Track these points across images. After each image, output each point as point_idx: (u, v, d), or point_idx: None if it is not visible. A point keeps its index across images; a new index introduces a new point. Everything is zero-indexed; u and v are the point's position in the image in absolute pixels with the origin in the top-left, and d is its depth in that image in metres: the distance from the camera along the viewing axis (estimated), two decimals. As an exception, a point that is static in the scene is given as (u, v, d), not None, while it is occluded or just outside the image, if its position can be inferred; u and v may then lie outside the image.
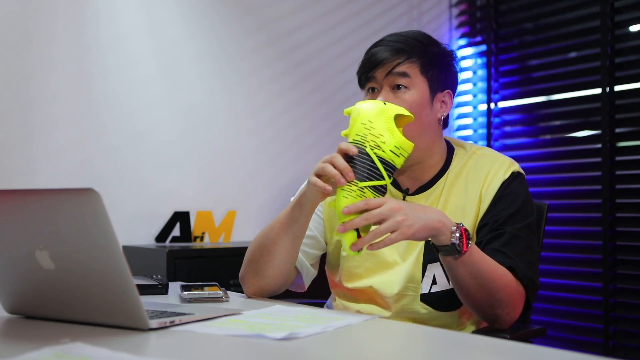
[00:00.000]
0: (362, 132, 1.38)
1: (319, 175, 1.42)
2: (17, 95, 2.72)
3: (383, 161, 1.37)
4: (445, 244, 1.40)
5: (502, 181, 1.59)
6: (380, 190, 1.38)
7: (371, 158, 1.37)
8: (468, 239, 1.41)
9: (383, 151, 1.37)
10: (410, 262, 1.60)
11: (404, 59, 1.59)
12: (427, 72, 1.60)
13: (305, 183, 1.52)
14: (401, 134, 1.39)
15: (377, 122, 1.38)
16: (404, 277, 1.60)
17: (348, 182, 1.36)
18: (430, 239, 1.42)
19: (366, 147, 1.37)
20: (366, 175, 1.37)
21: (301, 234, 1.57)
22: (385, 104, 1.42)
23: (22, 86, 2.73)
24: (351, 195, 1.36)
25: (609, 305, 2.93)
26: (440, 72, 1.63)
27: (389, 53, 1.59)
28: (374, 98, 1.60)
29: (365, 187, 1.36)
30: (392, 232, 1.35)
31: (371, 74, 1.61)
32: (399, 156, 1.38)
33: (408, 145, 1.39)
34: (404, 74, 1.58)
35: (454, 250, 1.40)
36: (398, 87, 1.59)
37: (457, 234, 1.39)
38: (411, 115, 1.44)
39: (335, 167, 1.38)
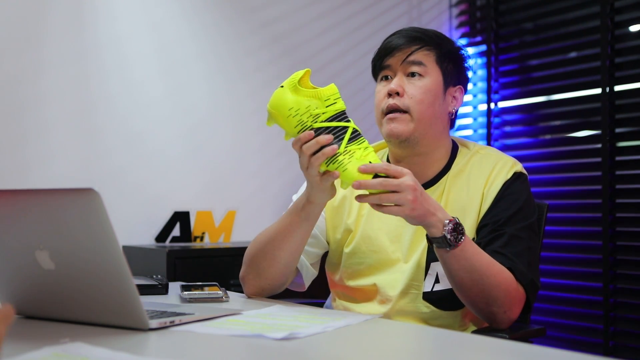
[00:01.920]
0: (296, 122, 1.39)
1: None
2: (15, 96, 2.72)
3: (332, 118, 1.39)
4: (437, 237, 1.41)
5: (504, 181, 1.59)
6: (357, 135, 1.39)
7: (323, 127, 1.38)
8: (461, 233, 1.42)
9: (324, 113, 1.38)
10: (413, 261, 1.60)
11: (421, 47, 1.61)
12: (442, 63, 1.62)
13: (305, 184, 1.52)
14: (317, 90, 1.39)
15: (295, 103, 1.39)
16: (407, 275, 1.60)
17: (332, 156, 1.37)
18: (424, 229, 1.44)
19: (310, 126, 1.38)
20: (336, 141, 1.38)
21: (306, 237, 1.57)
22: (282, 86, 1.41)
23: (20, 87, 2.73)
24: (344, 162, 1.36)
25: (609, 305, 2.93)
26: (454, 67, 1.65)
27: (406, 40, 1.61)
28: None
29: (345, 147, 1.37)
30: (396, 205, 1.38)
31: (386, 61, 1.62)
32: (335, 102, 1.39)
33: (329, 89, 1.39)
34: (419, 63, 1.60)
35: (445, 243, 1.41)
36: (413, 74, 1.60)
37: (449, 227, 1.41)
38: (306, 69, 1.43)
39: (313, 151, 1.38)
